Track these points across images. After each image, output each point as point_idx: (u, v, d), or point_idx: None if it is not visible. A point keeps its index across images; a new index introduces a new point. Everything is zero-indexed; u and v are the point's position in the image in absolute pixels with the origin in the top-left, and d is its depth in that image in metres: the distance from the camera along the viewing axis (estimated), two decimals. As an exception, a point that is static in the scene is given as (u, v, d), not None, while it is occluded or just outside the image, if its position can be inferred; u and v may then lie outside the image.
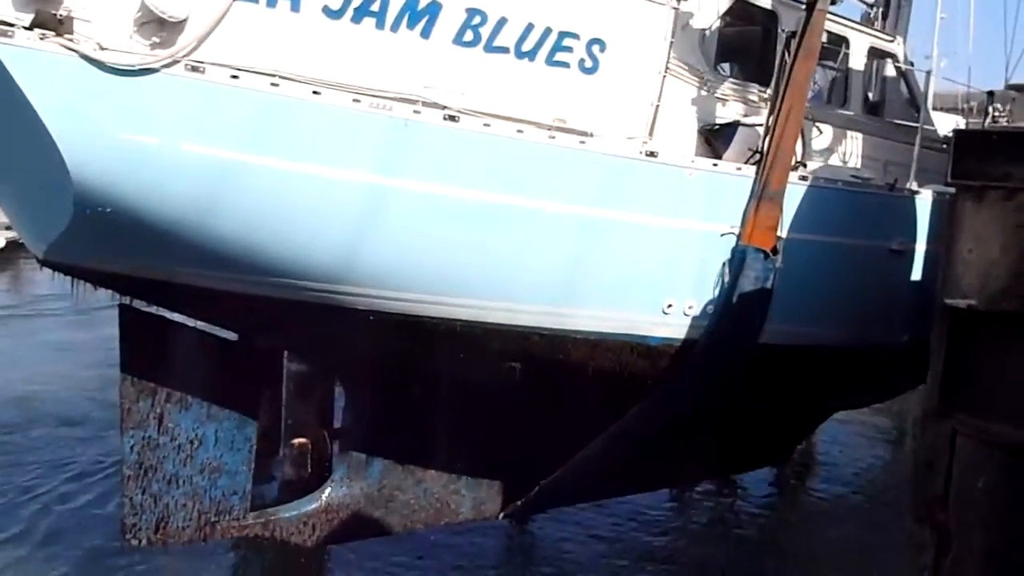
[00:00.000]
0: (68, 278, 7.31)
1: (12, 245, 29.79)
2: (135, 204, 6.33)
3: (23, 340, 19.08)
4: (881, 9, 11.55)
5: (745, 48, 9.36)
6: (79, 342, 18.36)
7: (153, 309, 7.99)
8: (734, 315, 8.12)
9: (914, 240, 9.38)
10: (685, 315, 8.09)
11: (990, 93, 9.92)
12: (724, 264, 8.04)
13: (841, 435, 16.18)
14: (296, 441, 9.12)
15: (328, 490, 8.81)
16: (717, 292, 8.09)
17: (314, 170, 6.56)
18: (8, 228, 30.49)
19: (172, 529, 8.24)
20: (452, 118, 6.78)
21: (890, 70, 10.70)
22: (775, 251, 8.11)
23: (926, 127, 9.87)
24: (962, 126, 11.90)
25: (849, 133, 10.00)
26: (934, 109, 12.00)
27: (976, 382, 6.56)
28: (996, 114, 10.65)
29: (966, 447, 6.46)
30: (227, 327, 8.44)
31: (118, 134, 6.07)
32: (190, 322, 8.21)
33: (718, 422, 9.41)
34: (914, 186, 9.36)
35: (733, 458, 10.88)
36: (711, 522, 12.62)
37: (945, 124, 11.76)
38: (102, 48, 5.88)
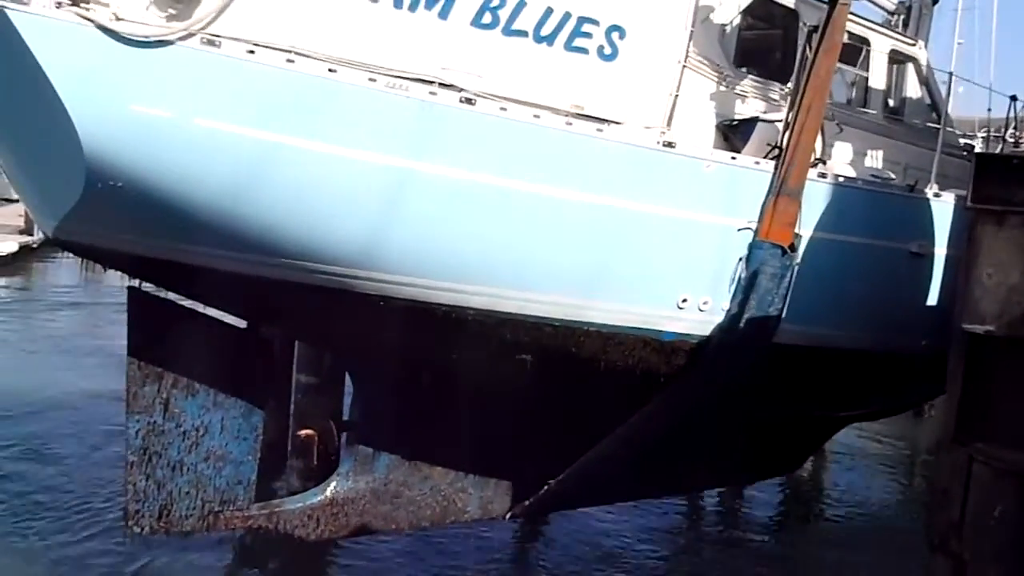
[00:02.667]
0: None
1: (24, 250, 29.96)
2: (146, 179, 6.27)
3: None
4: (902, 16, 11.48)
5: (765, 45, 9.26)
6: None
7: (162, 293, 7.95)
8: (749, 312, 7.97)
9: (935, 244, 9.23)
10: (700, 311, 7.96)
11: (1013, 97, 9.81)
12: (740, 260, 7.92)
13: (851, 462, 16.06)
14: (302, 433, 9.00)
15: (333, 483, 8.67)
16: (732, 288, 7.95)
17: (329, 149, 6.49)
18: (21, 232, 30.77)
19: (175, 517, 8.12)
20: (468, 101, 6.71)
21: (911, 74, 10.60)
22: (792, 248, 7.98)
23: (948, 131, 9.75)
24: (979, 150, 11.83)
25: (869, 135, 9.88)
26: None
27: (993, 409, 6.50)
28: (1017, 137, 10.56)
29: (982, 475, 6.40)
30: (236, 314, 8.37)
31: (131, 106, 6.01)
32: (199, 307, 8.15)
33: (730, 426, 9.27)
34: (935, 189, 9.23)
35: (745, 465, 10.69)
36: (719, 541, 12.51)
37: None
38: (118, 18, 5.83)
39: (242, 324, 8.48)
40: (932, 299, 9.33)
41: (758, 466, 11.03)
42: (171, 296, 7.95)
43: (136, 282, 7.86)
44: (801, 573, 11.73)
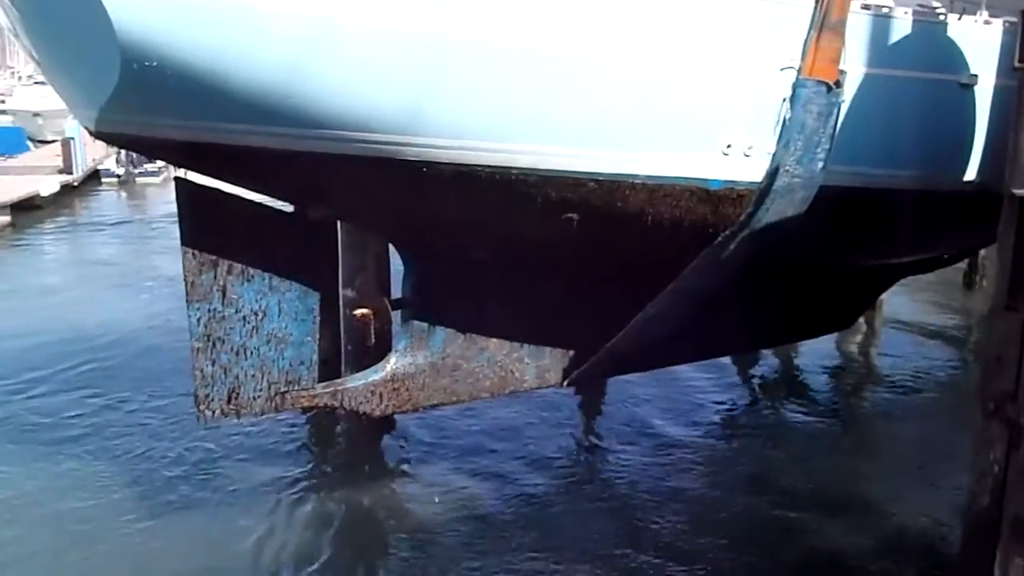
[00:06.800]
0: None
1: (66, 189, 30.37)
2: (179, 57, 6.28)
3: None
4: None
5: None
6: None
7: (208, 182, 8.03)
8: (796, 154, 7.81)
9: (985, 74, 8.91)
10: (745, 156, 7.83)
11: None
12: (784, 100, 7.73)
13: (902, 334, 16.04)
14: (358, 312, 9.16)
15: (393, 360, 8.85)
16: (778, 130, 7.79)
17: (365, 15, 6.41)
18: (60, 172, 31.15)
19: (244, 399, 8.38)
20: None
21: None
22: (838, 84, 7.75)
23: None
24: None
25: None
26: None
27: (1046, 274, 6.39)
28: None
29: (1037, 340, 6.33)
30: (282, 197, 8.45)
31: None
32: (246, 194, 8.22)
33: (782, 279, 9.22)
34: (985, 16, 8.88)
35: (798, 321, 10.68)
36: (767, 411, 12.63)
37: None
38: None
39: (288, 208, 8.57)
40: (983, 133, 9.06)
41: (811, 322, 11.00)
42: (218, 184, 8.03)
43: (182, 172, 7.95)
44: (853, 442, 11.82)
